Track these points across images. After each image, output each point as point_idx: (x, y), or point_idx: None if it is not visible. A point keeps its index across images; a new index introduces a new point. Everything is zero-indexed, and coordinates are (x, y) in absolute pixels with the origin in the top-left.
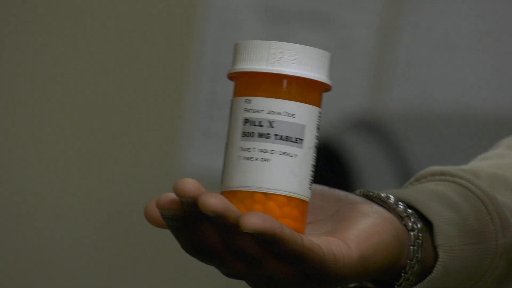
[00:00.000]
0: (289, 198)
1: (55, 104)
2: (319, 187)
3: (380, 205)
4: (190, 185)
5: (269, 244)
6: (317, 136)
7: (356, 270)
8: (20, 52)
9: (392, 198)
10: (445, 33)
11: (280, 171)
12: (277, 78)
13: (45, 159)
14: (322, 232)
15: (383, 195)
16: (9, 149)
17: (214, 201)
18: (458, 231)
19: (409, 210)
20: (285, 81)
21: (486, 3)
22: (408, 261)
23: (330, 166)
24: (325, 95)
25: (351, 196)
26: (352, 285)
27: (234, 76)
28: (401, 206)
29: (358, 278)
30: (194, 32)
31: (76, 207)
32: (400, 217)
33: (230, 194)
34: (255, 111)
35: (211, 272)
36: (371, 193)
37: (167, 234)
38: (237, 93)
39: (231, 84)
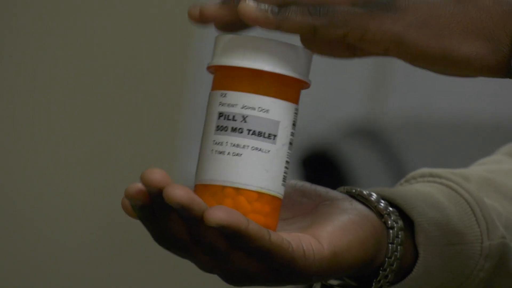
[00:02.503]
0: (260, 193)
1: (54, 105)
2: (300, 183)
3: (362, 202)
4: (157, 175)
5: (235, 238)
6: (293, 133)
7: (327, 266)
8: (20, 52)
9: (374, 196)
10: None
11: (251, 167)
12: (253, 73)
13: (45, 162)
14: (298, 227)
15: (365, 192)
16: (9, 151)
17: (179, 193)
18: (441, 231)
19: (390, 208)
20: (260, 77)
21: None
22: (386, 259)
23: (328, 173)
24: (324, 102)
25: (331, 193)
26: (335, 282)
27: (213, 70)
28: (382, 204)
29: (331, 275)
30: (194, 33)
31: (76, 209)
32: (380, 214)
33: (202, 187)
34: (229, 105)
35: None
36: (353, 190)
37: None
38: (214, 86)
39: None
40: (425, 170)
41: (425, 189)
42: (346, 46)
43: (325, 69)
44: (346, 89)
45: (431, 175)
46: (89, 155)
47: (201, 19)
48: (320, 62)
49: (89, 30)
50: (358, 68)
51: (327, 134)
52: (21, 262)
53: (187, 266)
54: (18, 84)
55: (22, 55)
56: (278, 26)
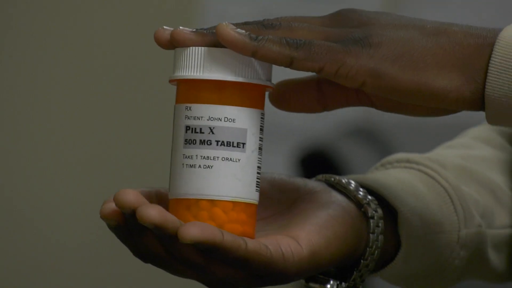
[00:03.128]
0: (234, 203)
1: (54, 105)
2: (278, 177)
3: (341, 191)
4: (130, 196)
5: (212, 252)
6: (261, 138)
7: (307, 265)
8: (20, 52)
9: (353, 184)
10: None
11: (223, 177)
12: (214, 84)
13: (45, 162)
14: (277, 226)
15: (344, 181)
16: (9, 151)
17: (151, 213)
18: (421, 221)
19: (370, 197)
20: (222, 87)
21: (486, 7)
22: (368, 248)
23: (327, 172)
24: None
25: (310, 184)
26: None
27: (175, 83)
28: (361, 193)
29: (311, 272)
30: None
31: (76, 209)
32: (359, 204)
33: (176, 202)
34: (195, 118)
35: None
36: (332, 179)
37: None
38: (178, 99)
39: None
40: (401, 155)
41: (404, 176)
42: (316, 99)
43: None
44: None
45: (408, 161)
46: (89, 154)
47: (171, 44)
48: None
49: (89, 30)
50: None
51: (326, 134)
52: (21, 262)
53: None
54: (18, 84)
55: (22, 55)
56: (254, 53)
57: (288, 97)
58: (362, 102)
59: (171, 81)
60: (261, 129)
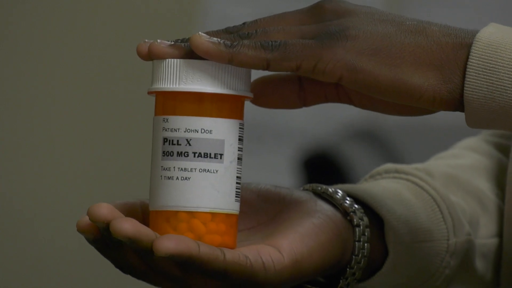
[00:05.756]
0: (213, 214)
1: (55, 105)
2: (264, 188)
3: (328, 200)
4: (103, 210)
5: (189, 265)
6: (240, 148)
7: (289, 275)
8: (20, 52)
9: (340, 193)
10: None
11: (201, 189)
12: (190, 96)
13: (45, 162)
14: (262, 236)
15: (330, 190)
16: (9, 151)
17: (125, 226)
18: (408, 229)
19: (356, 206)
20: (199, 99)
21: (487, 8)
22: (354, 256)
23: (329, 175)
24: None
25: (296, 194)
26: None
27: (154, 95)
28: (347, 202)
29: (295, 282)
30: (195, 33)
31: (76, 209)
32: (346, 213)
33: (156, 214)
34: (172, 130)
35: None
36: (319, 188)
37: None
38: (156, 111)
39: None
40: (390, 165)
41: (391, 185)
42: (297, 94)
43: None
44: None
45: (397, 171)
46: (89, 155)
47: (150, 57)
48: None
49: (89, 30)
50: None
51: (328, 136)
52: (21, 262)
53: None
54: (18, 84)
55: (22, 55)
56: (231, 60)
57: (269, 93)
58: (341, 99)
59: (149, 93)
60: (241, 139)
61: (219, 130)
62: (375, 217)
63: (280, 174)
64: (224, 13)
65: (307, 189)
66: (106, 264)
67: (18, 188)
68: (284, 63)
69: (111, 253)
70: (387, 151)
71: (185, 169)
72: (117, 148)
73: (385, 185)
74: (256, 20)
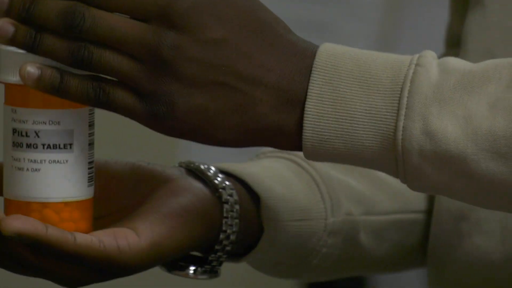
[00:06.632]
0: (66, 203)
1: None
2: (136, 164)
3: (200, 177)
4: None
5: (37, 246)
6: (91, 133)
7: (148, 257)
8: None
9: (212, 170)
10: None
11: (52, 179)
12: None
13: None
14: (129, 218)
15: (202, 167)
16: None
17: None
18: (286, 207)
19: (227, 182)
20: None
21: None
22: (221, 233)
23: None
24: None
25: (167, 172)
26: None
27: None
28: (219, 179)
29: (156, 263)
30: None
31: None
32: (216, 189)
33: (9, 202)
34: (21, 121)
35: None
36: (191, 165)
37: None
38: (6, 100)
39: None
40: None
41: (273, 164)
42: None
43: None
44: None
45: (281, 151)
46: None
47: None
48: None
49: None
50: None
51: None
52: None
53: None
54: None
55: None
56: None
57: None
58: None
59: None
60: (91, 125)
61: (68, 120)
62: (254, 195)
63: None
64: None
65: (181, 166)
66: None
67: None
68: (111, 110)
69: None
70: None
71: (35, 161)
72: (117, 146)
73: (266, 164)
74: (94, 19)
